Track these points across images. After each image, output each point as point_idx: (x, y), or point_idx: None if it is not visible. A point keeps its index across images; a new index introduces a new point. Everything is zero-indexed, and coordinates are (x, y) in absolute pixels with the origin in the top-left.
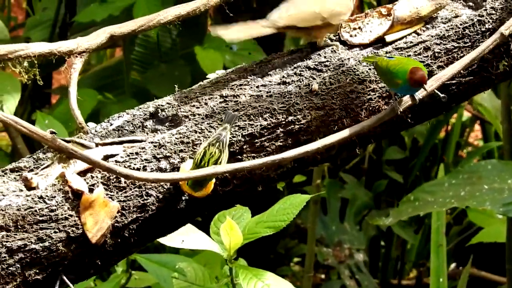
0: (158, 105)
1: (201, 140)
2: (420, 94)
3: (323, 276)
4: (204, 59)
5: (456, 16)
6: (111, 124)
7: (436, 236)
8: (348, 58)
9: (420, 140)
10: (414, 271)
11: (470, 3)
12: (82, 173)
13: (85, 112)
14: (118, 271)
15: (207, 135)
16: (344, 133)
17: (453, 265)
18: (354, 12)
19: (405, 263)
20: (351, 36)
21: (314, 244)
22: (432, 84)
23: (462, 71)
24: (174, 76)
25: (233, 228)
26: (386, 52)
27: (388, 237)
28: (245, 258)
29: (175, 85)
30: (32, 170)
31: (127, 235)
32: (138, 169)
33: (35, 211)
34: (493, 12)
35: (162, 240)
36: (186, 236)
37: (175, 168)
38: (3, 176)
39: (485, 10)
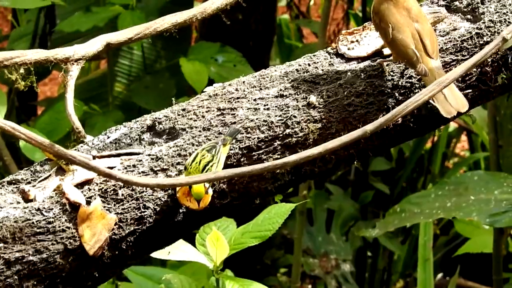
0: (155, 118)
1: None
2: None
3: (309, 286)
4: (189, 71)
5: (455, 29)
6: (108, 137)
7: (423, 251)
8: (346, 71)
9: (406, 151)
10: (401, 282)
11: (469, 16)
12: (79, 186)
13: (70, 123)
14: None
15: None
16: (349, 136)
17: (439, 275)
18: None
19: (392, 274)
20: (348, 49)
21: (301, 254)
22: (434, 89)
23: (460, 84)
24: (159, 88)
25: (219, 239)
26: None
27: (374, 248)
28: (231, 268)
29: (165, 96)
30: (29, 183)
31: (124, 247)
32: None
33: (33, 223)
34: (492, 25)
35: None
36: (173, 248)
37: None
38: (1, 188)
39: (484, 23)
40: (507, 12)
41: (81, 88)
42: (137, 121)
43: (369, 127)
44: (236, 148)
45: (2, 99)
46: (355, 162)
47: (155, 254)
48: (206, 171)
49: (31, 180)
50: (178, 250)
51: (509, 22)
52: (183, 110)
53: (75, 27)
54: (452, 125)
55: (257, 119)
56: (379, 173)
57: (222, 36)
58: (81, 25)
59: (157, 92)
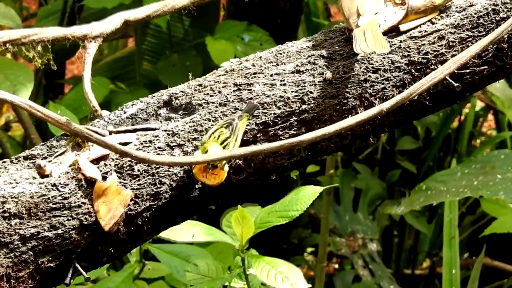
0: (172, 93)
1: None
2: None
3: (336, 266)
4: (215, 50)
5: (471, 5)
6: (125, 112)
7: (448, 229)
8: None
9: (433, 131)
10: (427, 261)
11: None
12: (95, 161)
13: (96, 101)
14: (131, 261)
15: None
16: (365, 114)
17: (466, 255)
18: None
19: (418, 253)
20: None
21: (328, 234)
22: (450, 67)
23: (476, 60)
24: (186, 66)
25: (245, 217)
26: (401, 41)
27: (401, 227)
28: (257, 248)
29: (189, 73)
30: (45, 158)
31: (140, 223)
32: None
33: (48, 198)
34: (508, 1)
35: (173, 237)
36: (196, 231)
37: None
38: (17, 163)
39: None
40: None
41: (109, 67)
42: (154, 96)
43: (385, 105)
44: (253, 123)
45: (29, 77)
46: (372, 139)
47: (180, 238)
48: (224, 147)
49: (47, 155)
50: (202, 232)
51: None
52: (200, 85)
53: (101, 4)
54: (479, 104)
55: (273, 94)
56: (406, 152)
57: (250, 15)
58: (107, 2)
59: (184, 71)
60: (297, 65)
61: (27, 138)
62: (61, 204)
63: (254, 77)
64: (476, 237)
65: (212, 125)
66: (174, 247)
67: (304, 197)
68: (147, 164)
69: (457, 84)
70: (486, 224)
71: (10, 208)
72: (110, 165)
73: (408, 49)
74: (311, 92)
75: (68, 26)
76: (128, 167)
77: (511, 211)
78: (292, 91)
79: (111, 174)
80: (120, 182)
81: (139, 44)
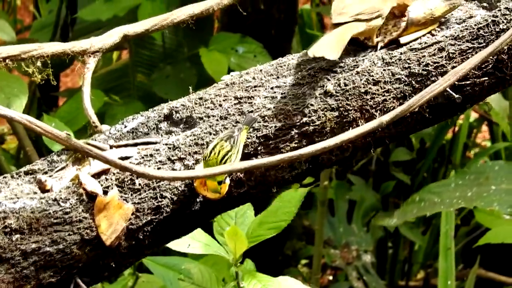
0: (173, 106)
1: None
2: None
3: (330, 277)
4: (209, 62)
5: (471, 17)
6: (125, 126)
7: (444, 240)
8: (363, 59)
9: (428, 142)
10: (421, 272)
11: (484, 4)
12: (96, 175)
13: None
14: (125, 274)
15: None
16: (366, 127)
17: (460, 266)
18: None
19: (413, 265)
20: (365, 38)
21: (322, 245)
22: (450, 78)
23: (476, 72)
24: (180, 78)
25: (238, 233)
26: (401, 53)
27: (395, 238)
28: (252, 259)
29: (184, 85)
30: (46, 173)
31: (141, 237)
32: None
33: (49, 213)
34: (508, 12)
35: (169, 244)
36: (192, 240)
37: None
38: (17, 178)
39: (499, 10)
40: None
41: (103, 79)
42: (154, 110)
43: (385, 117)
44: (254, 136)
45: (23, 89)
46: (373, 151)
47: (175, 247)
48: (225, 162)
49: (48, 170)
50: (198, 242)
51: None
52: (200, 98)
53: (96, 16)
54: (473, 115)
55: (274, 107)
56: (400, 163)
57: (244, 26)
58: (102, 14)
59: (178, 82)
60: (298, 78)
61: (22, 150)
62: (62, 219)
63: (255, 90)
64: (470, 248)
65: (213, 138)
66: (168, 259)
67: (289, 203)
68: (148, 178)
69: (457, 96)
70: (480, 235)
71: (11, 224)
72: (111, 179)
73: (408, 61)
74: (311, 105)
75: (61, 39)
76: (129, 181)
77: (506, 222)
78: (293, 104)
79: (112, 188)
80: (121, 196)
81: (133, 56)
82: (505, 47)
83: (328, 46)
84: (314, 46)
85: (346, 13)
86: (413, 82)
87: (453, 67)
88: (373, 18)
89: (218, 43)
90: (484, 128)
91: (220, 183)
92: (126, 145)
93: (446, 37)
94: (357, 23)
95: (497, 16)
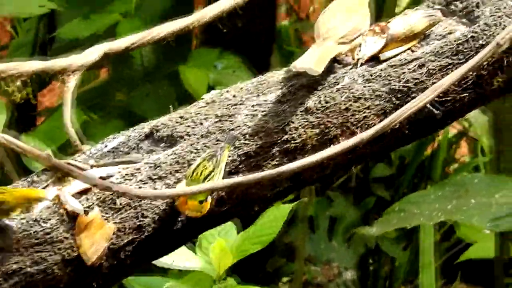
0: (153, 126)
1: (196, 160)
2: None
3: None
4: (188, 78)
5: (450, 33)
6: (106, 146)
7: (425, 255)
8: (343, 76)
9: (407, 157)
10: None
11: (464, 20)
12: (77, 195)
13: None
14: None
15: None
16: (346, 144)
17: (441, 282)
18: None
19: (394, 281)
20: (345, 54)
21: (303, 262)
22: (430, 94)
23: (456, 88)
24: (159, 95)
25: (223, 248)
26: (381, 70)
27: (377, 254)
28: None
29: (164, 103)
30: None
31: (123, 257)
32: None
33: (30, 234)
34: (487, 28)
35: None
36: (176, 256)
37: None
38: None
39: (479, 26)
40: (502, 15)
41: (82, 97)
42: (135, 129)
43: (366, 134)
44: (235, 154)
45: (1, 109)
46: (354, 168)
47: (158, 263)
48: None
49: None
50: (181, 259)
51: (504, 25)
52: (181, 117)
53: (74, 34)
54: (452, 131)
55: (255, 125)
56: (380, 179)
57: (222, 43)
58: (80, 32)
59: (157, 100)
60: (278, 95)
61: (1, 169)
62: (43, 239)
63: (236, 108)
64: (451, 264)
65: (194, 157)
66: (150, 279)
67: (275, 219)
68: (129, 197)
69: (438, 112)
70: (461, 250)
71: None
72: (92, 199)
73: (388, 78)
74: (292, 122)
75: (40, 57)
76: (110, 201)
77: (486, 236)
78: (274, 122)
79: (93, 208)
80: (103, 216)
81: (112, 74)
82: (485, 63)
83: (311, 61)
84: (297, 60)
85: (330, 37)
86: (394, 99)
87: (433, 83)
88: (355, 38)
89: (196, 59)
90: (463, 143)
91: (201, 202)
92: (107, 165)
93: (426, 53)
94: (341, 45)
95: (476, 32)
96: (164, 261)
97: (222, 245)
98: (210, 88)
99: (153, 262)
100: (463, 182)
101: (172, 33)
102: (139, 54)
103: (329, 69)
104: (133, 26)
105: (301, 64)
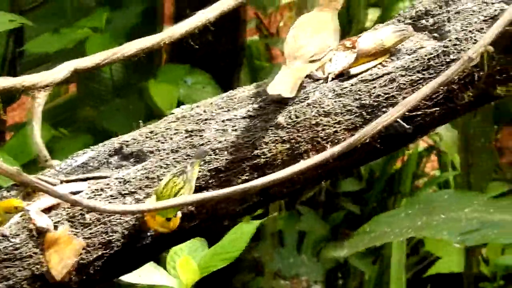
0: (123, 141)
1: (166, 175)
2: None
3: None
4: (158, 93)
5: (421, 47)
6: (76, 161)
7: (396, 270)
8: (314, 91)
9: (377, 171)
10: None
11: (435, 34)
12: (46, 210)
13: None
14: None
15: (173, 170)
16: (316, 158)
17: None
18: None
19: None
20: (316, 69)
21: (272, 277)
22: (401, 109)
23: (427, 102)
24: (129, 110)
25: (189, 263)
26: (352, 85)
27: (345, 268)
28: None
29: (133, 118)
30: None
31: (92, 271)
32: None
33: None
34: (458, 43)
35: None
36: (143, 271)
37: None
38: None
39: (450, 41)
40: (472, 30)
41: (50, 113)
42: (105, 144)
43: (336, 149)
44: (205, 169)
45: None
46: (324, 182)
47: (126, 278)
48: None
49: None
50: (148, 274)
51: (475, 40)
52: (151, 132)
53: (44, 48)
54: (422, 145)
55: (225, 140)
56: (349, 193)
57: (192, 58)
58: (49, 46)
59: (127, 115)
60: (249, 110)
61: None
62: (12, 254)
63: (206, 123)
64: (420, 278)
65: (164, 172)
66: None
67: (243, 234)
68: (99, 213)
69: (408, 126)
70: (430, 264)
71: None
72: (61, 214)
73: (359, 92)
74: (262, 137)
75: (9, 73)
76: (79, 216)
77: (455, 250)
78: (244, 137)
79: (62, 223)
80: (72, 231)
81: (81, 89)
82: (456, 77)
83: (283, 86)
84: (269, 85)
85: (301, 56)
86: (364, 113)
87: (404, 98)
88: (325, 55)
89: (166, 74)
90: (433, 157)
91: (168, 219)
92: (76, 180)
93: (397, 68)
94: (312, 63)
95: (447, 47)
96: (132, 276)
97: (189, 260)
98: (179, 103)
99: (120, 277)
100: (433, 198)
101: (142, 49)
102: (108, 69)
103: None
104: (103, 41)
105: (273, 89)
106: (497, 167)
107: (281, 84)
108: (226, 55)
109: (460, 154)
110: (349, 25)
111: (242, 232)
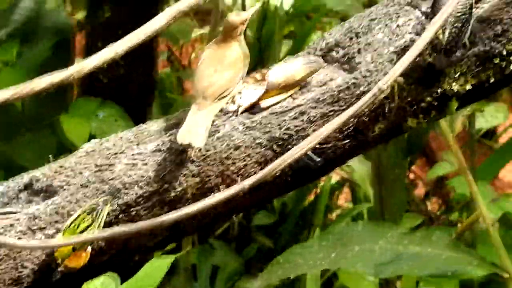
0: (33, 175)
1: (76, 210)
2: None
3: None
4: (70, 127)
5: (331, 80)
6: None
7: None
8: (224, 124)
9: (289, 204)
10: None
11: (346, 66)
12: None
13: None
14: None
15: (82, 205)
16: (226, 192)
17: None
18: None
19: None
20: (226, 102)
21: None
22: (311, 142)
23: (337, 135)
24: (41, 145)
25: None
26: (262, 117)
27: None
28: None
29: (45, 153)
30: None
31: None
32: None
33: None
34: (368, 74)
35: None
36: None
37: None
38: None
39: (360, 72)
40: (383, 61)
41: None
42: (14, 179)
43: (247, 182)
44: (115, 204)
45: None
46: (235, 216)
47: None
48: None
49: None
50: None
51: (385, 71)
52: (61, 167)
53: None
54: (335, 177)
55: (135, 174)
56: (262, 227)
57: (104, 91)
58: None
59: (39, 149)
60: (158, 144)
61: None
62: None
63: (115, 157)
64: None
65: (74, 207)
66: None
67: (157, 269)
68: (9, 248)
69: (319, 159)
70: None
71: None
72: None
73: (269, 125)
74: (172, 171)
75: None
76: None
77: (370, 284)
78: (154, 170)
79: None
80: None
81: None
82: (366, 109)
83: (193, 132)
84: (179, 132)
85: (210, 95)
86: (274, 146)
87: (314, 130)
88: (235, 87)
89: (78, 108)
90: (346, 190)
91: (74, 249)
92: None
93: (307, 100)
94: (221, 100)
95: (357, 78)
96: None
97: None
98: (92, 137)
99: None
100: (347, 230)
101: (52, 84)
102: (19, 102)
103: None
104: (16, 75)
105: (183, 138)
106: (411, 199)
107: (191, 133)
108: (138, 88)
109: (374, 186)
110: (261, 57)
111: (156, 267)
